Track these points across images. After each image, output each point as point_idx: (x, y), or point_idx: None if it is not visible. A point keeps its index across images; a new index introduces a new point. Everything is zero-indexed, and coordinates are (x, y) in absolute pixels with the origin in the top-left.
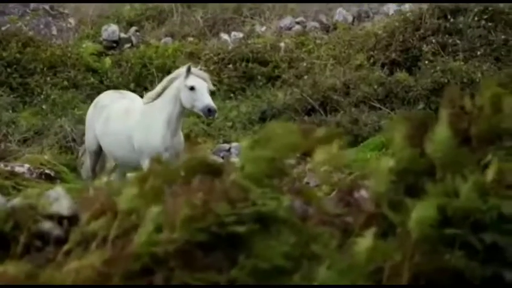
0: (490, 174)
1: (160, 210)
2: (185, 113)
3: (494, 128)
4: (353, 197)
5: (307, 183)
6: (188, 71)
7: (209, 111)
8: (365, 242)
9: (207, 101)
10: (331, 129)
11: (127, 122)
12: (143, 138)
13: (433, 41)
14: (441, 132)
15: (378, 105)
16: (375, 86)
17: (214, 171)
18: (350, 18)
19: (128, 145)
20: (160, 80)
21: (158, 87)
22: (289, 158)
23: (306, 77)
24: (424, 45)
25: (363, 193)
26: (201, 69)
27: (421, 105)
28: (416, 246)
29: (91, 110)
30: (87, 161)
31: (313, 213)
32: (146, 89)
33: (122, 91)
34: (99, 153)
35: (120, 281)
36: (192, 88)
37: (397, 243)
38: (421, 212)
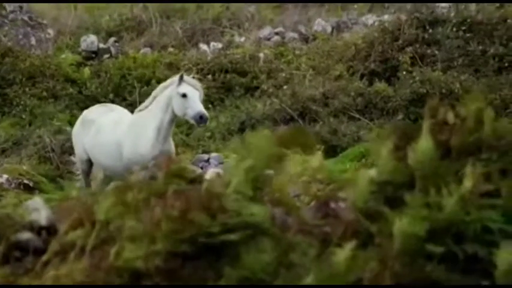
0: (468, 184)
1: (138, 223)
2: (176, 121)
3: (475, 140)
4: (331, 207)
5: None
6: (181, 78)
7: (201, 119)
8: (344, 252)
9: (199, 108)
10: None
11: (117, 131)
12: (132, 145)
13: (412, 51)
14: (423, 144)
15: (357, 115)
16: (354, 97)
17: (194, 182)
18: (329, 29)
19: (116, 154)
20: (140, 90)
21: (151, 96)
22: (270, 168)
23: (285, 87)
24: (403, 56)
25: (341, 203)
26: (193, 77)
27: (400, 116)
28: (397, 257)
29: (78, 127)
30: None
31: (292, 223)
32: (125, 100)
33: (107, 104)
34: (90, 166)
35: None
36: (184, 95)
37: (376, 253)
38: (405, 225)
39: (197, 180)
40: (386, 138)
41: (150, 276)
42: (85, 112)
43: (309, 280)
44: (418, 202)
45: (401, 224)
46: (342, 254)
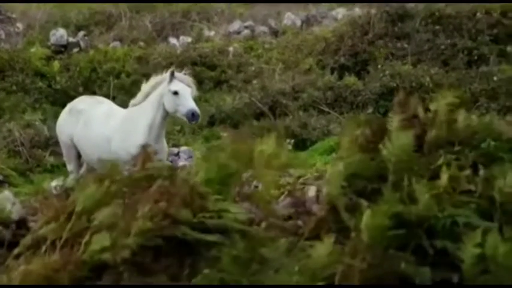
0: (444, 180)
1: (112, 214)
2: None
3: (448, 135)
4: (301, 201)
5: (256, 186)
6: (172, 75)
7: (193, 116)
8: (324, 246)
9: (191, 105)
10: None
11: (107, 125)
12: (121, 141)
13: (382, 45)
14: (401, 138)
15: (326, 109)
16: (324, 90)
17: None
18: (299, 23)
19: (106, 148)
20: (109, 84)
21: (141, 93)
22: (241, 166)
23: (254, 81)
24: (373, 50)
25: (311, 197)
26: (185, 74)
27: (369, 109)
28: (368, 250)
29: (65, 116)
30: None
31: (262, 217)
32: (95, 93)
33: (96, 96)
34: (78, 154)
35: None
36: (175, 93)
37: (348, 247)
38: (372, 218)
39: (173, 176)
40: (357, 132)
41: (116, 268)
42: (73, 102)
43: (294, 279)
44: (393, 196)
45: (368, 217)
46: (322, 248)
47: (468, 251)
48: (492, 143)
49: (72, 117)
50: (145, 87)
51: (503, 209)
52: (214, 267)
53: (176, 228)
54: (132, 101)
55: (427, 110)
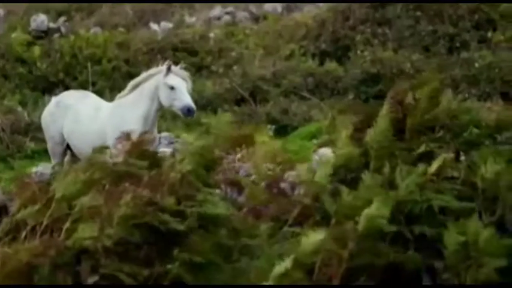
0: (434, 167)
1: (93, 201)
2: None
3: (429, 120)
4: (285, 188)
5: (237, 172)
6: (168, 69)
7: (188, 111)
8: (314, 236)
9: (187, 100)
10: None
11: (98, 119)
12: (117, 134)
13: (363, 31)
14: (380, 123)
15: (307, 95)
16: (305, 76)
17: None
18: (279, 9)
19: (99, 142)
20: (90, 69)
21: (132, 83)
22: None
23: (235, 67)
24: (354, 35)
25: (294, 184)
26: (181, 67)
27: (350, 95)
28: (360, 240)
29: (52, 109)
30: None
31: (245, 204)
32: (76, 79)
33: (82, 91)
34: (66, 147)
35: (48, 272)
36: (171, 87)
37: (332, 234)
38: (374, 209)
39: (158, 162)
40: (346, 121)
41: (97, 256)
42: (60, 96)
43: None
44: (375, 182)
45: (370, 208)
46: (312, 237)
47: (451, 238)
48: (474, 130)
49: (60, 111)
50: (136, 79)
51: (485, 195)
52: (191, 251)
53: (158, 216)
54: (120, 94)
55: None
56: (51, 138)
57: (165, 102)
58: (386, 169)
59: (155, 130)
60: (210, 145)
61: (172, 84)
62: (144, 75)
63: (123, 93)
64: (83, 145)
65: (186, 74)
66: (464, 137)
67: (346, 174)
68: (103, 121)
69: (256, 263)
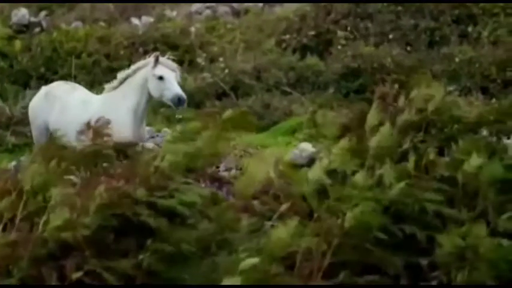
0: (411, 164)
1: (68, 193)
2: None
3: (421, 120)
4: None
5: (218, 167)
6: (156, 60)
7: (179, 101)
8: (287, 227)
9: (177, 90)
10: (240, 110)
11: (86, 112)
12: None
13: (344, 25)
14: (386, 130)
15: (288, 89)
16: (286, 71)
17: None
18: (261, 3)
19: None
20: (70, 64)
21: (121, 76)
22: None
23: (217, 61)
24: (336, 30)
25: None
26: (169, 58)
27: (331, 90)
28: (345, 237)
29: (40, 100)
30: None
31: (226, 198)
32: (56, 73)
33: (69, 82)
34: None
35: (27, 265)
36: (160, 78)
37: (315, 228)
38: (359, 214)
39: (130, 152)
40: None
41: (77, 248)
42: (49, 87)
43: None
44: (368, 183)
45: (359, 207)
46: (283, 229)
47: (448, 240)
48: (455, 126)
49: (47, 102)
50: (124, 71)
51: (465, 190)
52: (161, 240)
53: (132, 208)
54: (108, 86)
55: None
56: (37, 128)
57: (155, 93)
58: (377, 168)
59: (144, 123)
60: (196, 155)
61: (161, 75)
62: (132, 67)
63: (111, 85)
64: (69, 137)
65: (173, 64)
66: (445, 133)
67: (341, 177)
68: (92, 114)
69: (233, 257)
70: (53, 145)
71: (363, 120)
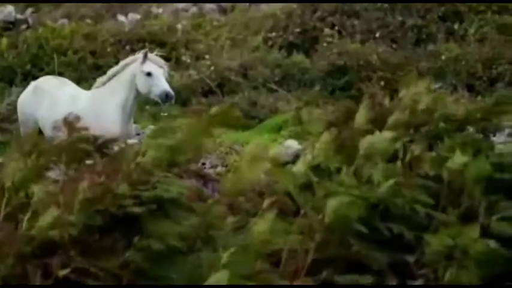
0: (406, 161)
1: (50, 190)
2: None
3: (411, 119)
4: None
5: (203, 164)
6: (145, 56)
7: (167, 97)
8: (263, 222)
9: (164, 86)
10: (225, 106)
11: (75, 107)
12: (97, 124)
13: (331, 23)
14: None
15: (274, 87)
16: (272, 68)
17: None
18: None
19: None
20: (57, 61)
21: (109, 72)
22: (191, 150)
23: (203, 58)
24: (322, 27)
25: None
26: (157, 54)
27: (317, 87)
28: (326, 232)
29: (29, 95)
30: None
31: (211, 195)
32: (42, 70)
33: (59, 77)
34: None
35: (12, 263)
36: (148, 74)
37: (299, 225)
38: (339, 206)
39: (104, 145)
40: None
41: (64, 247)
42: (38, 81)
43: (227, 254)
44: (354, 181)
45: (333, 204)
46: (261, 225)
47: (438, 239)
48: (442, 124)
49: (36, 97)
50: (113, 68)
51: (450, 187)
52: (147, 236)
53: (115, 201)
54: (97, 82)
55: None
56: (25, 122)
57: (143, 90)
58: (367, 167)
59: (132, 120)
60: (178, 148)
61: (149, 71)
62: (121, 63)
63: (100, 81)
64: (57, 132)
65: (161, 60)
66: (432, 131)
67: (324, 172)
68: (81, 109)
69: (218, 254)
70: (29, 140)
71: (348, 117)
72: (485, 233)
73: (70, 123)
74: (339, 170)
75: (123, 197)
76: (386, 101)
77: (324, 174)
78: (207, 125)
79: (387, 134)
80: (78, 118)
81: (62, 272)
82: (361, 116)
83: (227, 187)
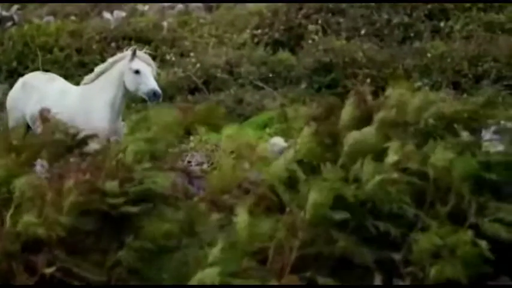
0: (392, 158)
1: (33, 186)
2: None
3: (397, 119)
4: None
5: (189, 161)
6: (133, 54)
7: (154, 95)
8: (243, 219)
9: (152, 84)
10: (210, 104)
11: (64, 103)
12: (85, 121)
13: (316, 20)
14: (367, 130)
15: (260, 84)
16: (258, 65)
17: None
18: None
19: None
20: (42, 58)
21: (98, 69)
22: (169, 139)
23: (188, 56)
24: (308, 24)
25: (251, 174)
26: (145, 52)
27: (303, 85)
28: (309, 228)
29: (18, 91)
30: None
31: (197, 192)
32: (27, 67)
33: (48, 73)
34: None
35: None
36: (137, 71)
37: (284, 223)
38: (316, 196)
39: (84, 141)
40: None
41: (49, 246)
42: (26, 77)
43: (214, 250)
44: (338, 176)
45: (313, 195)
46: (242, 221)
47: (426, 237)
48: (430, 121)
49: (25, 93)
50: (101, 65)
51: (436, 185)
52: (142, 239)
53: (104, 202)
54: (86, 79)
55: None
56: (14, 119)
57: (131, 87)
58: (355, 163)
59: (120, 118)
60: (153, 137)
61: (137, 69)
62: (109, 60)
63: (89, 77)
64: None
65: (150, 58)
66: (421, 129)
67: (306, 166)
68: (71, 106)
69: (204, 251)
70: (14, 135)
71: (330, 112)
72: (476, 233)
73: (44, 116)
74: (320, 165)
75: (112, 195)
76: (372, 99)
77: (307, 169)
78: (191, 124)
79: (372, 131)
80: (49, 111)
81: (48, 270)
82: (347, 113)
83: (213, 184)
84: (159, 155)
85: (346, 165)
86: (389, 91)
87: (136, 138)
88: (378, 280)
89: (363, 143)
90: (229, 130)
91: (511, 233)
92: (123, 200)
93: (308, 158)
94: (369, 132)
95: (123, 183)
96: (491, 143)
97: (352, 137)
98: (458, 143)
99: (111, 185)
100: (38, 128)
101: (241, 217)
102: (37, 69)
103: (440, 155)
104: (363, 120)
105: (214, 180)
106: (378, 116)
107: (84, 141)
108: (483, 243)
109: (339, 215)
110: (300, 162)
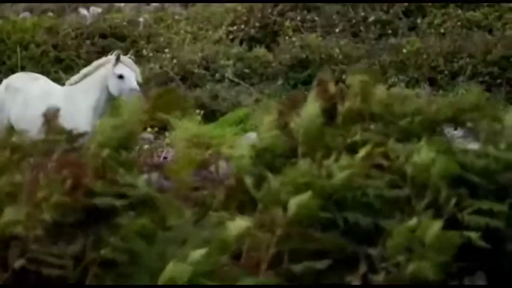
0: (361, 154)
1: (11, 183)
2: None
3: (362, 108)
4: (211, 172)
5: (165, 157)
6: (117, 59)
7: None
8: (238, 226)
9: (136, 89)
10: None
11: (47, 104)
12: (70, 123)
13: (291, 17)
14: (309, 109)
15: (236, 80)
16: (234, 62)
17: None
18: None
19: None
20: (20, 54)
21: (82, 71)
22: (138, 126)
23: (164, 52)
24: (283, 21)
25: (222, 168)
26: (129, 57)
27: (280, 81)
28: (288, 226)
29: (2, 93)
30: None
31: (170, 188)
32: (4, 63)
33: (31, 73)
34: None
35: None
36: (120, 76)
37: (260, 220)
38: (305, 196)
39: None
40: (270, 105)
41: (27, 243)
42: (9, 79)
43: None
44: (301, 169)
45: (297, 199)
46: (235, 227)
47: (399, 231)
48: (407, 119)
49: (8, 95)
50: (86, 67)
51: (414, 182)
52: (118, 235)
53: (91, 200)
54: (71, 80)
55: (337, 82)
56: None
57: (114, 91)
58: (318, 156)
59: None
60: (120, 124)
61: (121, 74)
62: (94, 64)
63: (73, 79)
64: (33, 130)
65: (133, 63)
66: (400, 126)
67: (271, 159)
68: (53, 106)
69: (182, 250)
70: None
71: (295, 105)
72: (454, 225)
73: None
74: (284, 158)
75: (100, 194)
76: (331, 85)
77: (269, 160)
78: (152, 110)
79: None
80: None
81: (18, 263)
82: (310, 104)
83: (173, 174)
84: (124, 143)
85: (305, 155)
86: (350, 79)
87: (103, 124)
88: (363, 268)
89: (316, 132)
90: (185, 123)
91: (493, 221)
92: (110, 199)
93: (270, 149)
94: (315, 115)
95: (109, 185)
96: (464, 142)
97: (302, 126)
98: (438, 142)
99: (101, 185)
100: (35, 129)
101: (238, 224)
102: (14, 65)
103: (424, 154)
104: (328, 111)
105: (172, 172)
106: (343, 106)
107: (74, 139)
108: (472, 234)
109: (325, 214)
110: (263, 153)
